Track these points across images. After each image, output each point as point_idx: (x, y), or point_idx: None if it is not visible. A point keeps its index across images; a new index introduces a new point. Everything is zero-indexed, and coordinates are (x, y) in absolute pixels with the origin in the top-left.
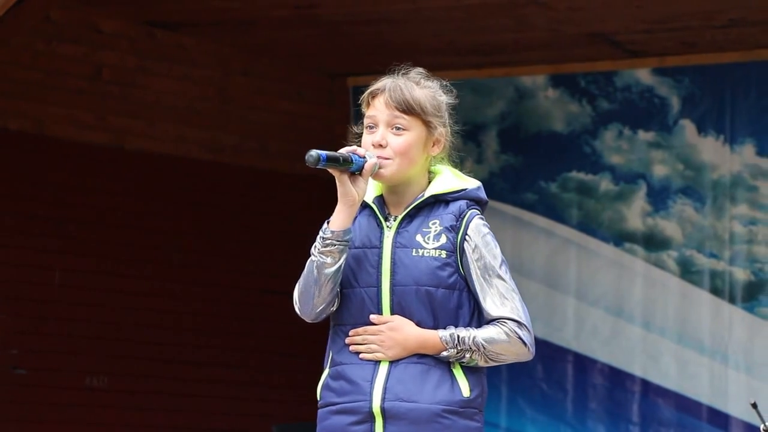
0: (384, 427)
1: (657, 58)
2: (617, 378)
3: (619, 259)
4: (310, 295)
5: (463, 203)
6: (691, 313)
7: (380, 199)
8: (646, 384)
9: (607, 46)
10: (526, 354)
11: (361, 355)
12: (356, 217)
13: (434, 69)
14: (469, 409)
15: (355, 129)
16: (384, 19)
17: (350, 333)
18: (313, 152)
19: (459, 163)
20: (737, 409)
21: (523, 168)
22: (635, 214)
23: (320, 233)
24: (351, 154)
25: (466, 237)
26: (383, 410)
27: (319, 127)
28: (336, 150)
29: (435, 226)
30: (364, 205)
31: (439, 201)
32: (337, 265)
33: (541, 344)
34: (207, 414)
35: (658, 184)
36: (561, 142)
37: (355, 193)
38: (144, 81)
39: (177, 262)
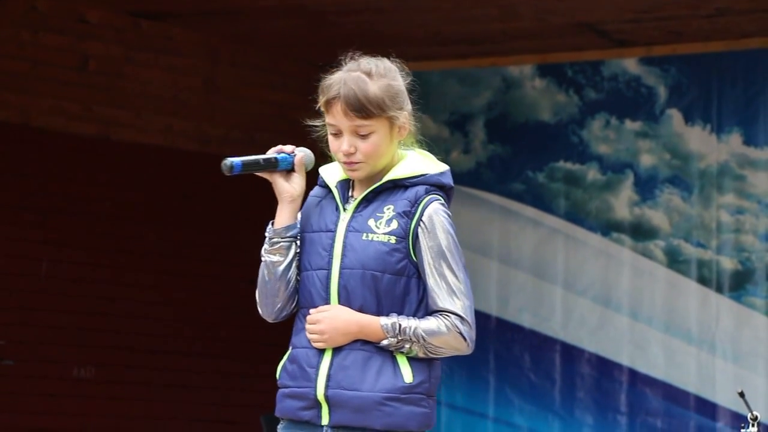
0: (330, 413)
1: (644, 47)
2: (605, 367)
3: (607, 248)
4: (266, 296)
5: (421, 188)
6: (678, 303)
7: (346, 182)
8: (633, 373)
9: (594, 35)
10: (464, 349)
11: (312, 343)
12: (320, 201)
13: (421, 59)
14: (412, 395)
15: (310, 121)
16: (371, 9)
17: (312, 347)
18: (227, 161)
19: (426, 143)
20: (725, 398)
21: (510, 158)
22: (622, 203)
23: (266, 234)
24: (276, 154)
25: (421, 223)
26: (327, 398)
27: (306, 117)
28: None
29: (389, 211)
30: (329, 189)
31: (398, 186)
32: (286, 262)
33: (528, 334)
34: (194, 404)
35: (646, 174)
36: (548, 131)
37: (291, 189)
38: (130, 71)
39: (164, 252)
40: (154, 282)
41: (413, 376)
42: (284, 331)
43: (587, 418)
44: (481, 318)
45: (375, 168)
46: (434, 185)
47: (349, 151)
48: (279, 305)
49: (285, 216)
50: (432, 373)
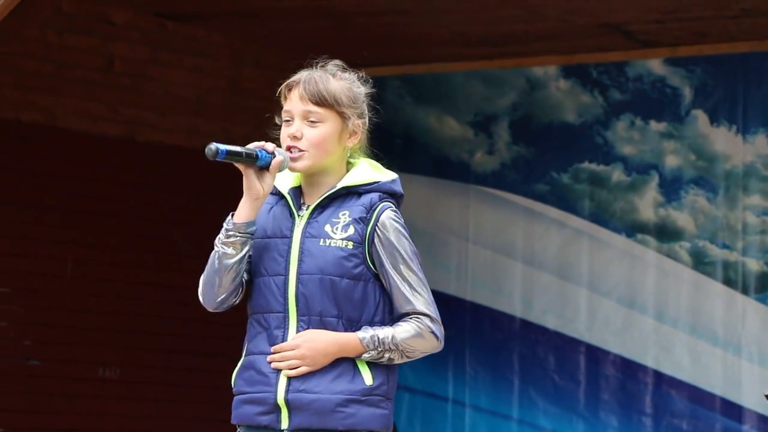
0: (289, 417)
1: (669, 48)
2: (630, 369)
3: (632, 250)
4: (211, 285)
5: (375, 195)
6: (704, 305)
7: (297, 190)
8: (658, 375)
9: (618, 36)
10: (437, 348)
11: (286, 372)
12: (272, 207)
13: (446, 60)
14: (372, 397)
15: (277, 121)
16: (395, 11)
17: (270, 353)
18: (213, 145)
19: (376, 155)
20: (751, 400)
21: (534, 159)
22: (647, 204)
23: (224, 225)
24: (258, 150)
25: (377, 229)
26: (287, 402)
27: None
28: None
29: (344, 216)
30: (281, 196)
31: (352, 193)
32: (238, 257)
33: (553, 335)
34: (220, 405)
35: (671, 175)
36: (573, 132)
37: (259, 188)
38: (155, 72)
39: (189, 253)
40: (180, 283)
41: (373, 378)
42: None
43: (612, 420)
44: (506, 319)
45: (316, 165)
46: (386, 192)
47: (294, 134)
48: (222, 296)
49: (246, 211)
50: (390, 376)
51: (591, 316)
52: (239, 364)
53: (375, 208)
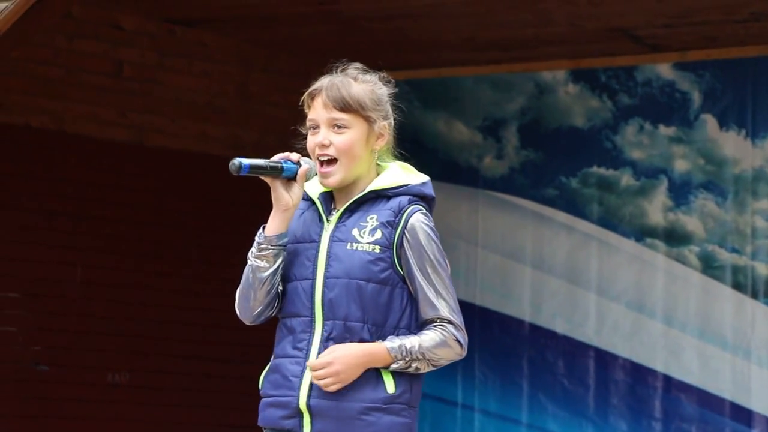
0: (311, 423)
1: (678, 52)
2: (639, 374)
3: (641, 254)
4: (246, 299)
5: (404, 199)
6: (713, 309)
7: (328, 195)
8: (668, 380)
9: (627, 40)
10: (461, 355)
11: (328, 388)
12: (303, 213)
13: (454, 64)
14: (394, 405)
15: (302, 129)
16: (404, 15)
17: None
18: (236, 161)
19: (403, 155)
20: (760, 404)
21: (543, 163)
22: (656, 209)
23: (256, 238)
24: (282, 161)
25: (405, 233)
26: (309, 407)
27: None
28: (269, 157)
29: (372, 220)
30: (312, 201)
31: (381, 196)
32: (272, 269)
33: (562, 340)
34: (229, 410)
35: (680, 179)
36: (581, 137)
37: (288, 199)
38: (164, 78)
39: (198, 258)
40: (188, 287)
41: (395, 386)
42: None
43: (621, 424)
44: (515, 324)
45: (348, 173)
46: (416, 195)
47: (322, 143)
48: (258, 309)
49: (277, 224)
50: (414, 385)
51: (600, 320)
52: (267, 367)
53: (404, 212)
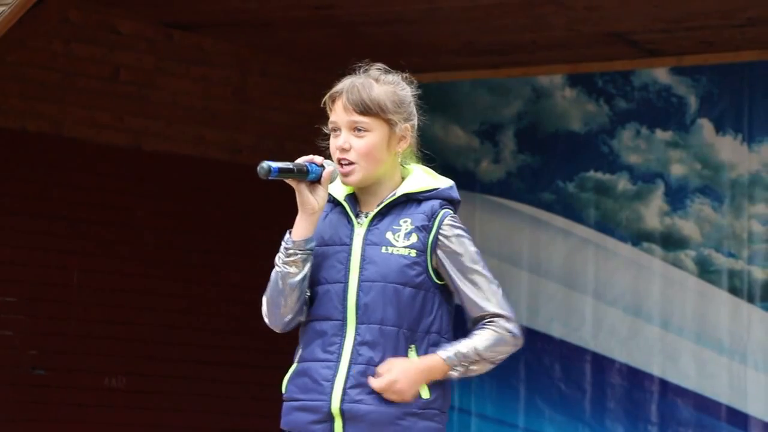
0: (343, 427)
1: (674, 57)
2: (635, 378)
3: (637, 258)
4: (276, 306)
5: (435, 203)
6: (709, 313)
7: (352, 197)
8: (664, 384)
9: (624, 45)
10: (518, 345)
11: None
12: (327, 215)
13: (452, 69)
14: (428, 411)
15: (325, 129)
16: (401, 20)
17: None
18: (264, 164)
19: (426, 156)
20: (756, 408)
21: (540, 168)
22: (653, 213)
23: (282, 243)
24: (307, 164)
25: (439, 237)
26: (342, 411)
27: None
28: (293, 160)
29: (406, 224)
30: (337, 203)
31: (411, 200)
32: (301, 275)
33: (559, 344)
34: (226, 415)
35: (676, 184)
36: (578, 141)
37: (314, 202)
38: (161, 82)
39: (195, 262)
40: (185, 292)
41: (430, 391)
42: None
43: (618, 428)
44: None
45: (369, 175)
46: (445, 199)
47: (342, 146)
48: (289, 316)
49: (304, 228)
50: (446, 390)
51: (597, 324)
52: (291, 370)
53: (436, 216)
